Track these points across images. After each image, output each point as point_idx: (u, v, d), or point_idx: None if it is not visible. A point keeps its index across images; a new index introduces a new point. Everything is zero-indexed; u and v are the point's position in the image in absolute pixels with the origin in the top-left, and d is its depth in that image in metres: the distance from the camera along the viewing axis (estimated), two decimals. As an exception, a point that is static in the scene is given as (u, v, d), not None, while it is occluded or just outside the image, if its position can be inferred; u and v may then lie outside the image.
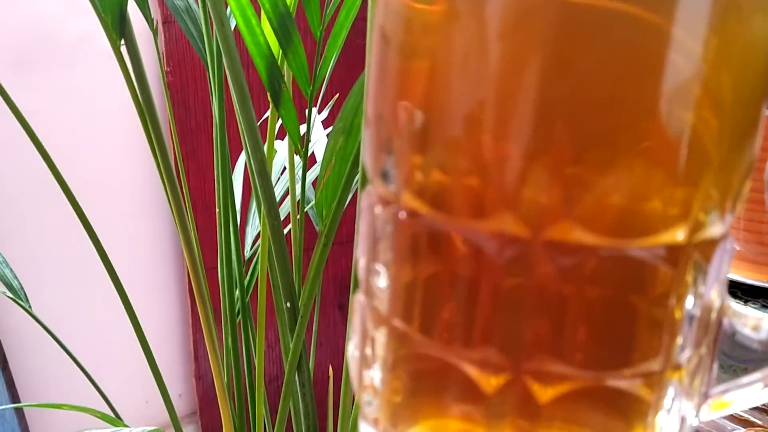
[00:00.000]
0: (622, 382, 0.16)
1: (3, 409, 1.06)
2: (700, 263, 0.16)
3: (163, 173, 0.49)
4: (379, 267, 0.18)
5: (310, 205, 0.63)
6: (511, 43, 0.15)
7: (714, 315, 0.17)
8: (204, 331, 0.52)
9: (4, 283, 0.52)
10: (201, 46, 0.57)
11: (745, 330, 0.18)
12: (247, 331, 0.58)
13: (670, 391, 0.17)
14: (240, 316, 0.59)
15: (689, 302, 0.16)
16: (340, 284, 1.41)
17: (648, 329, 0.16)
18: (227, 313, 0.59)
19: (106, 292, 0.98)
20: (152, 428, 0.40)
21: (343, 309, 1.41)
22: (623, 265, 0.15)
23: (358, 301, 0.20)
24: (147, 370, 0.55)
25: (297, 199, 0.58)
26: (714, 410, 0.19)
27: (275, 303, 0.51)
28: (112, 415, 0.49)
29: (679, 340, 0.16)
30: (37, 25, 1.07)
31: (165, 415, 0.56)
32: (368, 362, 0.19)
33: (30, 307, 0.51)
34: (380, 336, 0.18)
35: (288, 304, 0.49)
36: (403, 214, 0.17)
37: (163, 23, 1.12)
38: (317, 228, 0.53)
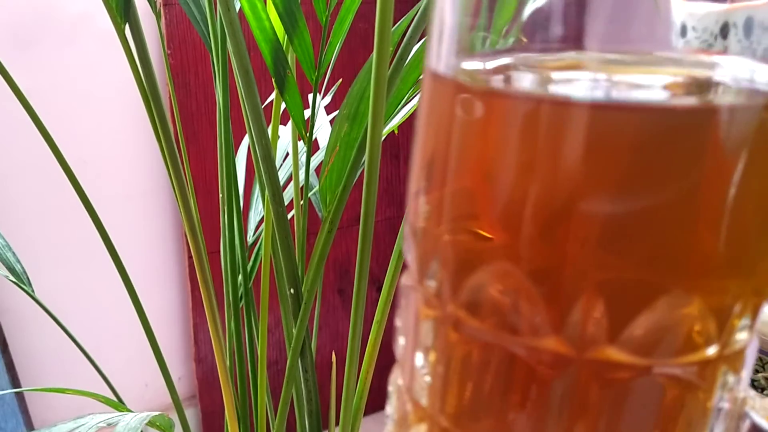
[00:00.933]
0: None
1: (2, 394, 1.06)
2: (731, 369, 0.17)
3: (167, 157, 0.49)
4: (421, 356, 0.18)
5: (314, 191, 0.63)
6: (548, 155, 0.15)
7: (739, 405, 0.18)
8: (207, 316, 0.52)
9: (6, 267, 0.52)
10: (204, 29, 0.57)
11: (761, 421, 0.19)
12: (249, 315, 0.58)
13: None
14: (243, 301, 0.60)
15: (718, 400, 0.17)
16: (340, 269, 1.41)
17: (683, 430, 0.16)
18: (230, 297, 0.59)
19: (107, 276, 0.98)
20: (155, 413, 0.40)
21: (343, 294, 1.41)
22: (658, 380, 0.16)
23: (396, 382, 0.20)
24: (146, 352, 0.55)
25: (300, 185, 0.58)
26: None
27: (278, 288, 0.51)
28: (114, 398, 0.49)
29: None
30: (37, 3, 1.06)
31: (164, 398, 0.56)
32: None
33: (33, 291, 0.51)
34: (420, 428, 0.19)
35: (291, 290, 0.49)
36: (446, 319, 0.17)
37: (164, 5, 1.11)
38: (320, 214, 0.53)
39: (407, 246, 0.19)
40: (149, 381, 1.29)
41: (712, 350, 0.16)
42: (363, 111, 0.47)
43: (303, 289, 0.49)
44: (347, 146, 0.48)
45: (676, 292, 0.15)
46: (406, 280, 0.19)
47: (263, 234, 0.52)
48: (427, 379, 0.18)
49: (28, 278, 0.51)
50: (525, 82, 0.17)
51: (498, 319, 0.16)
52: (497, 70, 0.17)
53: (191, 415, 1.32)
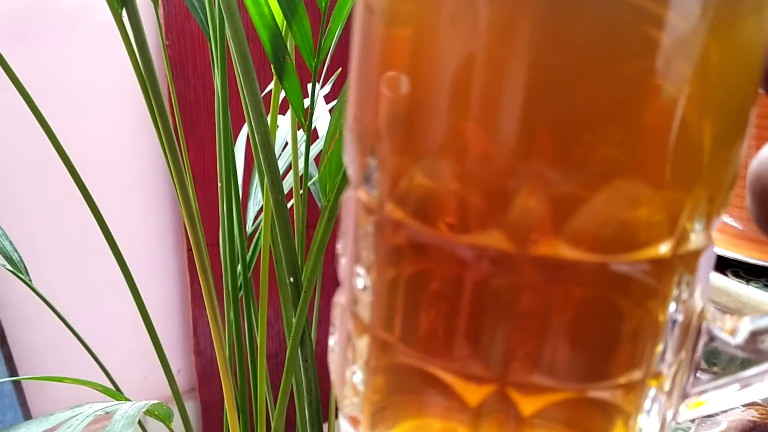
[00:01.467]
0: (604, 392, 0.16)
1: (1, 384, 1.06)
2: (685, 273, 0.16)
3: (166, 147, 0.49)
4: (361, 271, 0.18)
5: (313, 180, 0.62)
6: (497, 42, 0.14)
7: (695, 320, 0.17)
8: (206, 306, 0.52)
9: (3, 256, 0.51)
10: (202, 16, 0.56)
11: (722, 334, 0.18)
12: (249, 305, 0.58)
13: (651, 397, 0.17)
14: (242, 291, 0.59)
15: (672, 310, 0.16)
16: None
17: (631, 340, 0.16)
18: (229, 287, 0.58)
19: (105, 269, 0.97)
20: (154, 401, 0.40)
21: (342, 286, 1.41)
22: (607, 280, 0.15)
23: (339, 302, 0.19)
24: (145, 346, 0.54)
25: (300, 174, 0.57)
26: (691, 409, 0.19)
27: (278, 278, 0.51)
28: (112, 388, 0.49)
29: (660, 348, 0.16)
30: (34, -4, 1.05)
31: (163, 391, 0.56)
32: (349, 363, 0.19)
33: (30, 280, 0.50)
34: (362, 342, 0.18)
35: (291, 279, 0.48)
36: (386, 223, 0.16)
37: (162, -5, 1.10)
38: (319, 204, 0.52)
39: (347, 156, 0.18)
40: (148, 374, 1.29)
41: (664, 248, 0.15)
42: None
43: (303, 278, 0.48)
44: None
45: (623, 185, 0.14)
46: (347, 193, 0.19)
47: (262, 223, 0.52)
48: (368, 293, 0.17)
49: (25, 267, 0.51)
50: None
51: (438, 218, 0.15)
52: None
53: (190, 407, 1.32)
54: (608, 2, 0.14)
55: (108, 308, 1.20)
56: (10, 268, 0.50)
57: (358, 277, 0.18)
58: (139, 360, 1.24)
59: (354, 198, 0.18)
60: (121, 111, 1.17)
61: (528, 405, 0.16)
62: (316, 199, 0.62)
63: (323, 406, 0.51)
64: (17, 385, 1.10)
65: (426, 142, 0.15)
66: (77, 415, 0.37)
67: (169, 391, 0.57)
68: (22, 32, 1.05)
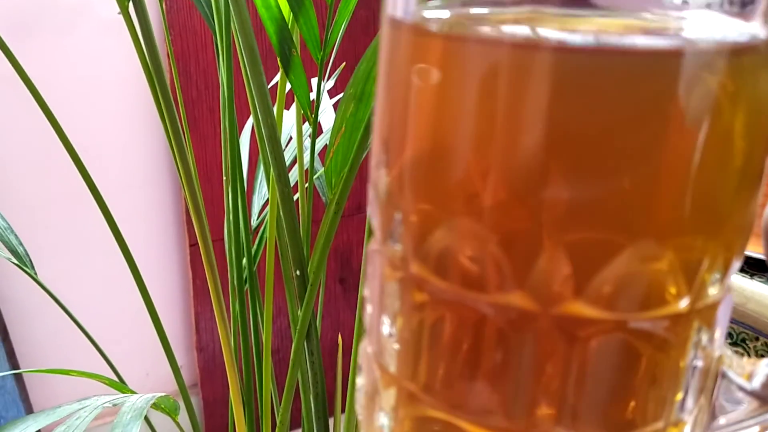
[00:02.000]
0: None
1: (3, 378, 1.06)
2: (704, 323, 0.16)
3: (172, 140, 0.49)
4: (387, 321, 0.18)
5: (318, 174, 0.62)
6: (517, 104, 0.14)
7: (714, 365, 0.18)
8: (213, 300, 0.52)
9: (9, 250, 0.51)
10: (207, 9, 0.56)
11: (739, 379, 0.19)
12: (254, 299, 0.58)
13: None
14: (247, 284, 0.59)
15: (691, 358, 0.16)
16: (341, 258, 1.40)
17: (652, 391, 0.16)
18: (234, 281, 0.58)
19: (107, 265, 0.97)
20: (160, 394, 0.40)
21: (344, 283, 1.41)
22: (628, 335, 0.15)
23: (365, 350, 0.20)
24: (147, 342, 0.54)
25: (305, 168, 0.57)
26: None
27: (283, 272, 0.51)
28: (117, 381, 0.49)
29: (681, 396, 0.17)
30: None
31: (165, 387, 0.55)
32: (377, 409, 0.19)
33: (35, 274, 0.50)
34: (389, 393, 0.18)
35: (297, 272, 0.48)
36: (409, 279, 0.17)
37: (165, -9, 1.10)
38: (324, 199, 0.52)
39: (372, 210, 0.19)
40: (150, 370, 1.29)
41: (683, 304, 0.15)
42: (369, 92, 0.47)
43: (309, 271, 0.48)
44: (353, 127, 0.47)
45: (642, 244, 0.14)
46: (372, 245, 0.19)
47: (268, 216, 0.52)
48: (394, 344, 0.18)
49: (30, 261, 0.50)
50: (484, 28, 0.17)
51: (461, 277, 0.16)
52: (453, 21, 0.17)
53: (193, 404, 1.32)
54: (623, 60, 0.14)
55: (110, 304, 1.20)
56: (16, 262, 0.50)
57: (383, 326, 0.18)
58: (140, 357, 1.24)
59: (378, 251, 0.18)
60: (124, 107, 1.16)
61: None
62: (320, 194, 0.62)
63: (329, 400, 0.51)
64: (20, 381, 1.10)
65: (447, 199, 0.16)
66: (84, 407, 0.37)
67: (172, 387, 0.57)
68: (26, 28, 1.05)
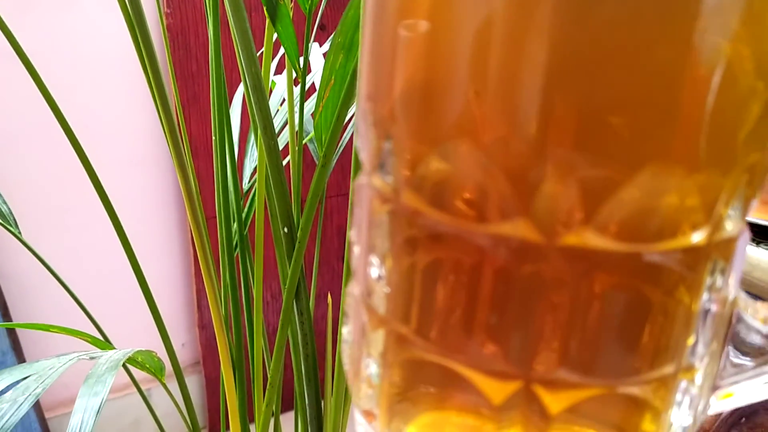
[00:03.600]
0: (634, 388, 0.15)
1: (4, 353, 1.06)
2: (720, 260, 0.15)
3: (163, 119, 0.47)
4: (375, 261, 0.17)
5: (309, 136, 0.61)
6: (518, 16, 0.13)
7: (727, 309, 0.16)
8: (200, 262, 0.51)
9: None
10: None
11: (755, 323, 0.18)
12: (245, 261, 0.57)
13: (682, 390, 0.16)
14: (237, 249, 0.58)
15: (705, 300, 0.15)
16: (343, 237, 1.39)
17: (663, 333, 0.15)
18: (224, 246, 0.57)
19: (109, 243, 0.96)
20: (140, 349, 0.39)
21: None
22: (638, 270, 0.14)
23: (352, 293, 0.18)
24: (150, 320, 0.53)
25: (296, 130, 0.56)
26: (720, 400, 0.18)
27: (273, 231, 0.50)
28: (102, 339, 0.48)
29: (693, 340, 0.16)
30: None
31: (169, 366, 0.54)
32: (364, 355, 0.18)
33: (20, 233, 0.49)
34: (377, 335, 0.17)
35: (285, 229, 0.47)
36: (402, 212, 0.15)
37: (162, -37, 1.08)
38: (317, 161, 0.51)
39: (361, 141, 0.17)
40: (153, 348, 1.28)
41: (699, 236, 0.14)
42: (358, 41, 0.45)
43: (297, 228, 0.47)
44: (342, 79, 0.46)
45: (657, 169, 0.13)
46: (359, 179, 0.18)
47: (257, 174, 0.50)
48: (384, 285, 0.17)
49: (15, 220, 0.49)
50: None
51: (458, 207, 0.14)
52: None
53: (195, 381, 1.32)
54: None
55: (110, 283, 1.19)
56: (1, 221, 0.49)
57: (372, 267, 0.17)
58: (143, 335, 1.23)
59: (367, 185, 0.17)
60: (123, 83, 1.15)
61: (555, 402, 0.15)
62: (314, 157, 0.60)
63: (320, 361, 0.50)
64: (20, 356, 1.10)
65: (444, 124, 0.14)
66: (62, 359, 0.36)
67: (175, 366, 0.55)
68: (23, 3, 1.04)
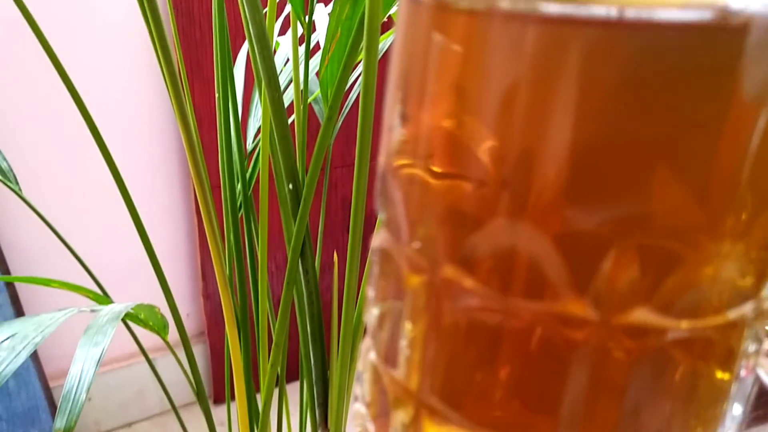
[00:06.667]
0: None
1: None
2: (758, 328, 0.15)
3: (169, 85, 0.46)
4: (407, 331, 0.16)
5: (314, 96, 0.60)
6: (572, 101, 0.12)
7: (753, 372, 0.16)
8: (204, 221, 0.50)
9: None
10: None
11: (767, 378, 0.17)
12: (249, 223, 0.56)
13: None
14: (242, 210, 0.57)
15: (740, 365, 0.15)
16: (348, 208, 1.38)
17: (706, 400, 0.15)
18: (228, 208, 0.56)
19: (114, 210, 0.95)
20: (141, 303, 0.38)
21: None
22: (687, 342, 0.14)
23: (368, 359, 0.17)
24: (155, 289, 0.52)
25: (300, 89, 0.55)
26: None
27: (278, 191, 0.49)
28: (101, 294, 0.47)
29: (727, 405, 0.15)
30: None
31: (174, 335, 0.54)
32: (387, 424, 0.17)
33: (20, 190, 0.48)
34: (405, 411, 0.16)
35: (290, 186, 0.46)
36: (437, 284, 0.15)
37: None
38: (322, 122, 0.49)
39: (382, 202, 0.16)
40: (157, 318, 1.28)
41: (749, 307, 0.14)
42: (365, -10, 0.44)
43: (303, 184, 0.46)
44: (347, 30, 0.45)
45: (715, 247, 0.13)
46: (381, 242, 0.16)
47: (261, 131, 0.49)
48: (414, 354, 0.16)
49: (15, 177, 0.48)
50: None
51: (504, 282, 0.14)
52: None
53: (200, 351, 1.32)
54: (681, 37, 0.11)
55: (116, 253, 1.19)
56: (0, 178, 0.48)
57: (401, 337, 0.16)
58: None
59: (392, 248, 0.16)
60: (131, 48, 1.14)
61: None
62: (319, 117, 0.59)
63: (325, 321, 0.49)
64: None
65: (500, 204, 0.13)
66: (61, 312, 0.35)
67: (177, 337, 0.54)
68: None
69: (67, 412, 0.28)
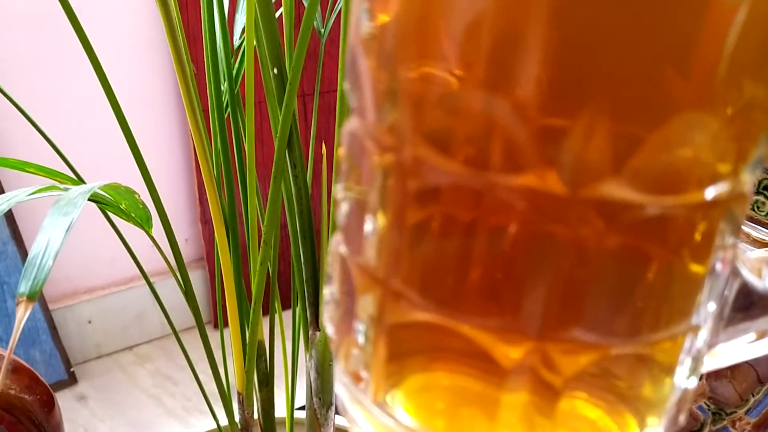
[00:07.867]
0: (645, 348, 0.15)
1: (5, 247, 1.05)
2: (733, 216, 0.15)
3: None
4: (371, 218, 0.16)
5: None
6: None
7: (729, 265, 0.16)
8: (192, 133, 0.48)
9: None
10: None
11: (750, 277, 0.17)
12: (236, 122, 0.54)
13: (686, 350, 0.16)
14: (229, 110, 0.55)
15: (716, 257, 0.15)
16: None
17: (678, 291, 0.15)
18: (214, 108, 0.54)
19: (111, 135, 0.93)
20: (122, 185, 0.36)
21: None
22: (660, 224, 0.14)
23: (338, 250, 0.17)
24: (154, 214, 0.50)
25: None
26: (712, 357, 0.18)
27: (263, 79, 0.46)
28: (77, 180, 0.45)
29: (701, 298, 0.15)
30: None
31: (172, 260, 0.52)
32: (353, 317, 0.17)
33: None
34: (370, 296, 0.16)
35: (275, 71, 0.44)
36: (405, 162, 0.14)
37: None
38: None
39: (350, 82, 0.16)
40: (157, 241, 1.28)
41: (721, 188, 0.13)
42: None
43: (288, 68, 0.44)
44: None
45: (688, 118, 0.12)
46: (350, 128, 0.16)
47: (246, 15, 0.47)
48: (379, 240, 0.15)
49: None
50: None
51: (471, 154, 0.13)
52: None
53: (199, 276, 1.31)
54: None
55: (114, 179, 1.17)
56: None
57: (365, 224, 0.16)
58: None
59: (361, 132, 0.15)
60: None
61: (567, 363, 0.15)
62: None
63: (315, 217, 0.48)
64: (21, 248, 1.09)
65: (461, 65, 0.13)
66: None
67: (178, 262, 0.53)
68: None
69: (32, 278, 0.27)
